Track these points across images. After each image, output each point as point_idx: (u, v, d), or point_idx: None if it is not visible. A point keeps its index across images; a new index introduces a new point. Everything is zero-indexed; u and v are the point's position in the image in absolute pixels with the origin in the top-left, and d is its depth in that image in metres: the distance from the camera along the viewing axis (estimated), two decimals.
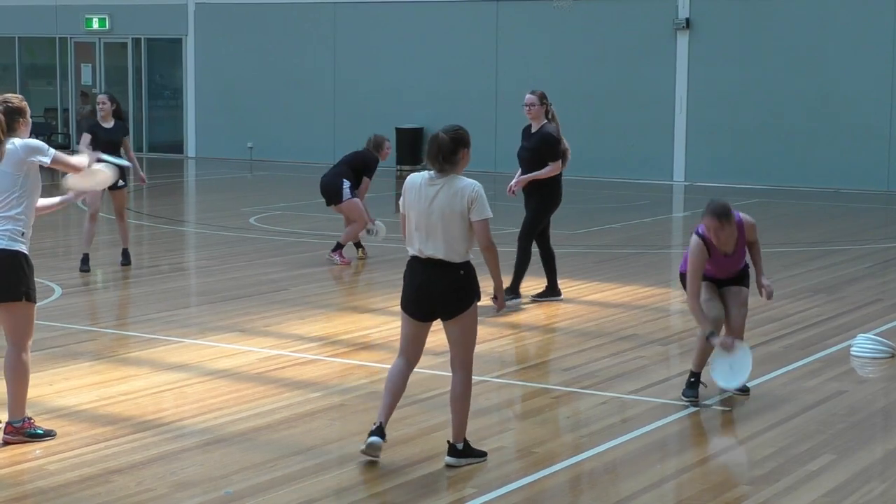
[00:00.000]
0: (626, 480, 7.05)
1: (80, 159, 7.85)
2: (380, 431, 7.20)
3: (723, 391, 8.81)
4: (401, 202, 7.21)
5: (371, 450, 7.16)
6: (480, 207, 7.03)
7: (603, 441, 7.73)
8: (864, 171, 23.56)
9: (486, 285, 7.26)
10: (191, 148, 30.37)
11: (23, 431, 7.50)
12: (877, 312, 11.81)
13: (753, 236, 8.74)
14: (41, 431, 7.57)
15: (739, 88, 24.54)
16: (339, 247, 14.48)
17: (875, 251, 15.93)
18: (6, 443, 7.46)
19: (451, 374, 7.27)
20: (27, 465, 7.17)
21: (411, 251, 7.18)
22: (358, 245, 14.85)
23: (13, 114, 7.59)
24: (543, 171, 12.00)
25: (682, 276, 8.77)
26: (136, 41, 30.86)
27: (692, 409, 8.46)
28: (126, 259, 14.17)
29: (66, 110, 31.73)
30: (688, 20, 24.84)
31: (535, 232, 12.16)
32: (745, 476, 7.18)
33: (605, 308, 12.14)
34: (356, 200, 14.51)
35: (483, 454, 7.28)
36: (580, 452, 7.53)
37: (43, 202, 7.80)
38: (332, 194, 14.57)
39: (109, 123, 13.82)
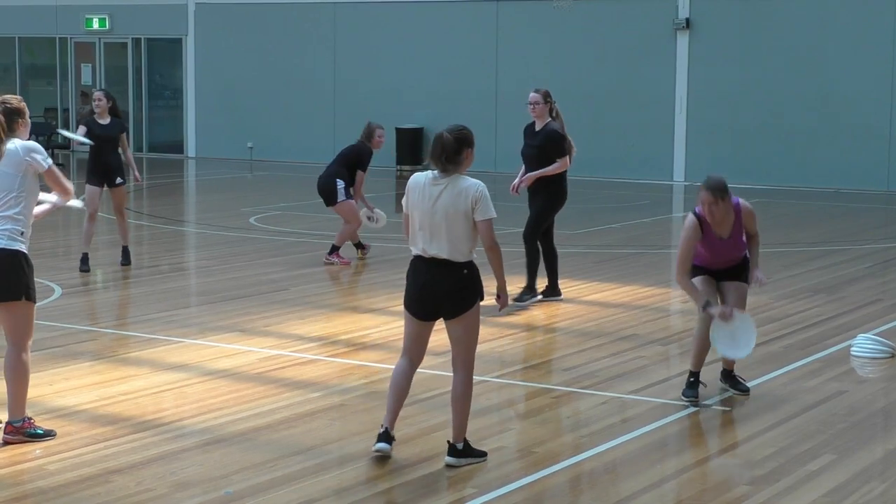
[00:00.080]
0: (626, 480, 7.05)
1: (70, 185, 7.81)
2: (386, 437, 7.26)
3: (723, 391, 8.82)
4: (404, 201, 7.21)
5: (379, 454, 7.24)
6: (484, 207, 7.04)
7: (603, 441, 7.73)
8: (864, 171, 23.56)
9: (489, 285, 7.26)
10: (191, 148, 30.37)
11: (23, 431, 7.50)
12: (877, 312, 11.81)
13: (753, 227, 8.63)
14: (41, 431, 7.57)
15: (739, 88, 24.54)
16: (334, 249, 14.47)
17: (875, 251, 15.93)
18: (6, 442, 7.47)
19: (451, 375, 7.27)
20: (27, 465, 7.17)
21: (415, 251, 7.19)
22: (359, 246, 14.84)
23: (12, 114, 7.61)
24: (551, 167, 12.01)
25: None
26: (136, 41, 30.86)
27: (692, 409, 8.46)
28: (126, 258, 14.16)
29: (66, 110, 31.73)
30: (688, 20, 24.84)
31: (540, 229, 12.16)
32: (745, 476, 7.18)
33: (605, 308, 12.14)
34: (350, 202, 14.50)
35: (483, 454, 7.28)
36: (580, 452, 7.53)
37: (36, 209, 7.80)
38: (327, 195, 14.56)
39: (106, 120, 13.82)
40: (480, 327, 7.29)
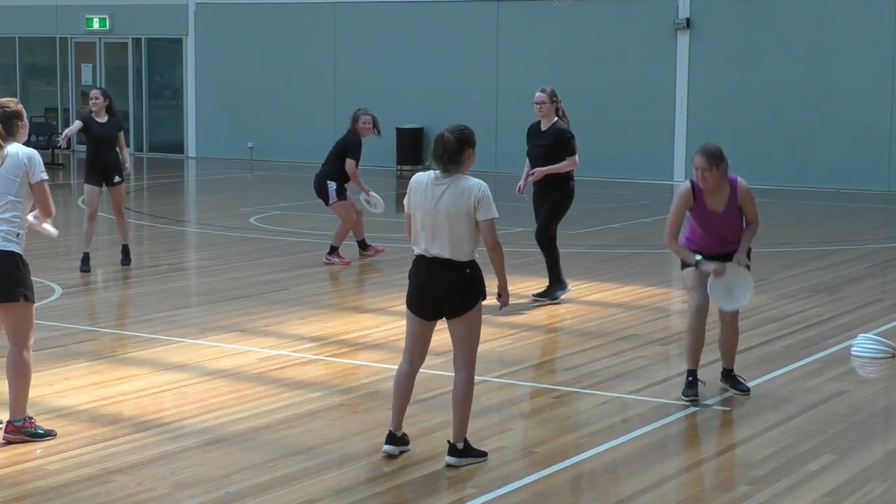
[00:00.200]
0: (627, 480, 7.05)
1: (53, 208, 7.78)
2: (391, 439, 7.31)
3: (723, 391, 8.82)
4: (406, 201, 7.21)
5: (385, 455, 7.31)
6: (487, 207, 7.05)
7: (603, 441, 7.73)
8: (864, 170, 23.55)
9: (491, 284, 7.25)
10: (191, 148, 30.36)
11: (24, 431, 7.51)
12: (877, 312, 11.80)
13: (752, 210, 8.51)
14: (42, 431, 7.58)
15: (739, 88, 24.53)
16: (334, 249, 14.48)
17: (875, 251, 15.93)
18: (7, 442, 7.47)
19: (452, 375, 7.27)
20: (27, 465, 7.17)
21: (417, 250, 7.19)
22: (363, 245, 14.82)
23: (11, 118, 7.62)
24: (561, 164, 12.04)
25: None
26: (137, 41, 30.85)
27: (692, 409, 8.45)
28: (126, 257, 14.16)
29: (66, 110, 31.71)
30: (688, 20, 24.84)
31: (552, 228, 12.18)
32: (745, 476, 7.18)
33: (605, 308, 12.14)
34: (343, 202, 14.50)
35: (483, 454, 7.28)
36: (581, 452, 7.53)
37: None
38: (321, 196, 14.63)
39: (103, 118, 13.81)
40: (480, 327, 7.29)
